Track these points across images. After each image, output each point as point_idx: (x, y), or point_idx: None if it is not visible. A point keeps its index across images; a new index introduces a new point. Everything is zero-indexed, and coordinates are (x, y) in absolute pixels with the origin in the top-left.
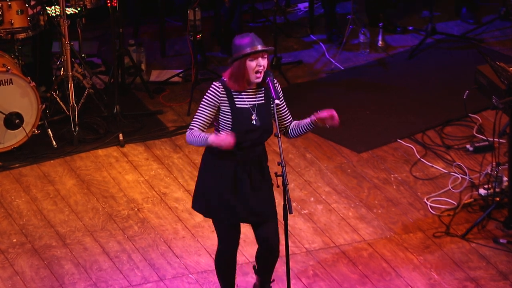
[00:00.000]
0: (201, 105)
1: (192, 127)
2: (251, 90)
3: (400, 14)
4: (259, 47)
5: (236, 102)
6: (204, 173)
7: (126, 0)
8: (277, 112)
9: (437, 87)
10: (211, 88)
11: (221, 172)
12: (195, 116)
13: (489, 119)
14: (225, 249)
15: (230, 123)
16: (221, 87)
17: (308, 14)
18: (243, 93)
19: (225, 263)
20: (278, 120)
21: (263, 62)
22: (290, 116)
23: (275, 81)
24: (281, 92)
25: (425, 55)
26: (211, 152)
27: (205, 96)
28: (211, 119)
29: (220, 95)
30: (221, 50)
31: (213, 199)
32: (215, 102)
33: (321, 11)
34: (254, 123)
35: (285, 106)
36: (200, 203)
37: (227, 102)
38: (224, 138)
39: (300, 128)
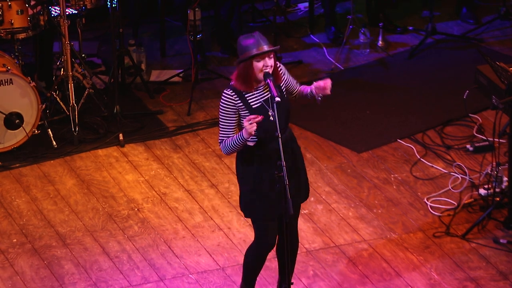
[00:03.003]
0: (221, 118)
1: (222, 140)
2: (260, 87)
3: (400, 14)
4: (265, 47)
5: (251, 104)
6: (243, 176)
7: (126, 0)
8: (287, 89)
9: (437, 87)
10: (223, 98)
11: (259, 171)
12: (220, 130)
13: (489, 119)
14: (266, 246)
15: None
16: (233, 93)
17: (308, 14)
18: (254, 92)
19: (262, 260)
20: (289, 91)
21: (270, 62)
22: (297, 84)
23: (281, 66)
24: (285, 71)
25: (425, 55)
26: (245, 154)
27: (221, 108)
28: (236, 126)
29: (235, 101)
30: (221, 50)
31: (254, 198)
32: (233, 109)
33: (321, 11)
34: (272, 119)
35: (289, 79)
36: (251, 208)
37: (243, 106)
38: (248, 126)
39: (303, 96)
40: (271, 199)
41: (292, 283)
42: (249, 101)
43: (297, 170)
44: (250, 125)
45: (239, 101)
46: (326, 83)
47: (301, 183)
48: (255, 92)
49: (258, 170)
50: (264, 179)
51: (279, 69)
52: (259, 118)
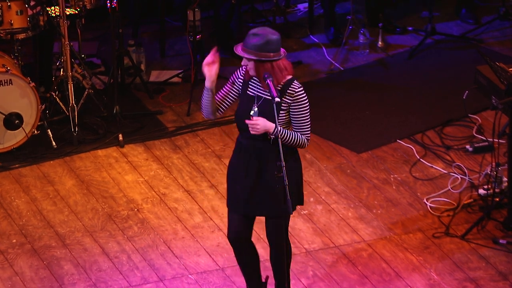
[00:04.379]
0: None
1: None
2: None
3: (400, 15)
4: (239, 49)
5: (249, 89)
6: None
7: (126, 0)
8: (287, 116)
9: (437, 87)
10: (237, 69)
11: (233, 160)
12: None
13: (488, 120)
14: (228, 236)
15: (233, 104)
16: (244, 71)
17: (308, 15)
18: (257, 83)
19: (235, 250)
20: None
21: (247, 63)
22: (298, 124)
23: (302, 92)
24: (300, 101)
25: (424, 56)
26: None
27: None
28: (224, 94)
29: (240, 76)
30: (221, 50)
31: (229, 189)
32: (233, 79)
33: (321, 11)
34: (252, 113)
35: (299, 114)
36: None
37: (241, 85)
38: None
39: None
40: (237, 193)
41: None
42: (249, 86)
43: (262, 180)
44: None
45: (242, 79)
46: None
47: (268, 195)
48: (258, 84)
49: (234, 160)
50: (237, 171)
51: (293, 90)
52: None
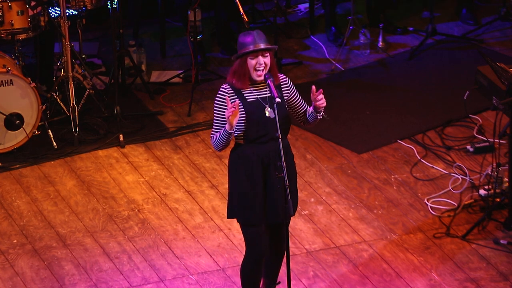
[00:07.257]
0: (215, 112)
1: (213, 134)
2: (261, 85)
3: (401, 15)
4: (261, 45)
5: (247, 97)
6: (231, 177)
7: (126, 0)
8: (291, 105)
9: (438, 87)
10: (219, 92)
11: (246, 172)
12: (213, 124)
13: (489, 120)
14: (255, 256)
15: (244, 117)
16: (228, 87)
17: (309, 15)
18: (251, 88)
19: (259, 266)
20: (296, 112)
21: (264, 60)
22: (305, 104)
23: (286, 79)
24: (292, 86)
25: (425, 56)
26: (235, 154)
27: (215, 102)
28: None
29: (229, 95)
30: (221, 50)
31: (241, 201)
32: (223, 104)
33: (322, 11)
34: (268, 114)
35: (298, 97)
36: (232, 209)
37: (237, 99)
38: (228, 112)
39: (310, 116)
40: (258, 204)
41: (279, 283)
42: (245, 95)
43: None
44: (228, 112)
45: (234, 96)
46: (315, 94)
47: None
48: (252, 89)
49: (249, 172)
50: (255, 182)
51: (284, 81)
52: (236, 102)
